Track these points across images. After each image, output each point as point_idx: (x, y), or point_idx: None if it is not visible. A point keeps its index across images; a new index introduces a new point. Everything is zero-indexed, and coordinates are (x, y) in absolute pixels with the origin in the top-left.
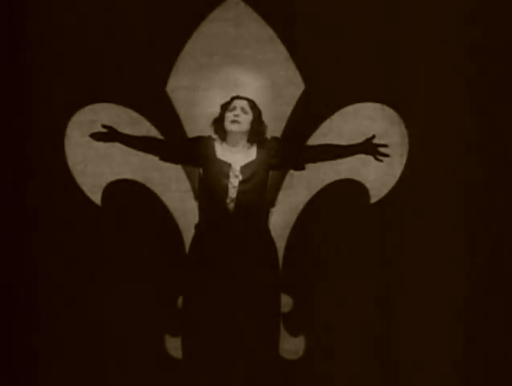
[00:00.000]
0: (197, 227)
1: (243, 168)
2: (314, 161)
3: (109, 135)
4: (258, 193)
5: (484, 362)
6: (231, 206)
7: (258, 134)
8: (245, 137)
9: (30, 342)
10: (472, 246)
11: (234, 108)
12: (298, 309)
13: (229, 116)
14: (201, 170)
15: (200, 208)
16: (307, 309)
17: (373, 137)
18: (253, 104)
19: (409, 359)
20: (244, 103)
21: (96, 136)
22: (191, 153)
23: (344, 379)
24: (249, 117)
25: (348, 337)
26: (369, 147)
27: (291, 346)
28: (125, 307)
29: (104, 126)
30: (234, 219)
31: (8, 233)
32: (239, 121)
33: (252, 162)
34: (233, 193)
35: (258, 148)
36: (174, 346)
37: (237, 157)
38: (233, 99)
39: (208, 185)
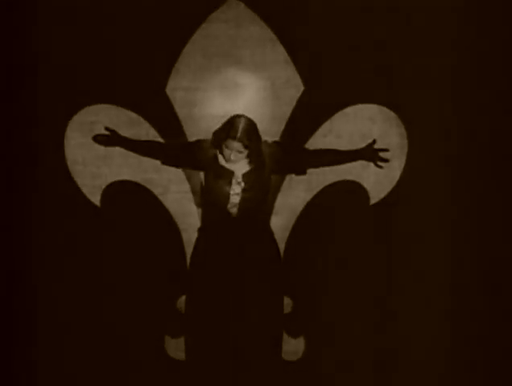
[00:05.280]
0: (200, 230)
1: (245, 175)
2: (315, 166)
3: (111, 139)
4: (261, 198)
5: (483, 362)
6: (233, 210)
7: (255, 161)
8: (245, 160)
9: (29, 345)
10: (473, 248)
11: (231, 148)
12: (298, 310)
13: (225, 154)
14: (202, 175)
15: (203, 212)
16: (307, 310)
17: (374, 142)
18: (248, 141)
19: (409, 360)
20: (237, 145)
21: (98, 139)
22: (193, 157)
23: (343, 380)
24: (245, 153)
25: (348, 338)
26: (369, 153)
27: (291, 347)
28: (125, 308)
29: (106, 129)
30: (237, 223)
31: (7, 234)
32: (234, 161)
33: (254, 168)
34: (235, 199)
35: None
36: (174, 347)
37: (239, 164)
38: (233, 119)
39: (211, 191)
